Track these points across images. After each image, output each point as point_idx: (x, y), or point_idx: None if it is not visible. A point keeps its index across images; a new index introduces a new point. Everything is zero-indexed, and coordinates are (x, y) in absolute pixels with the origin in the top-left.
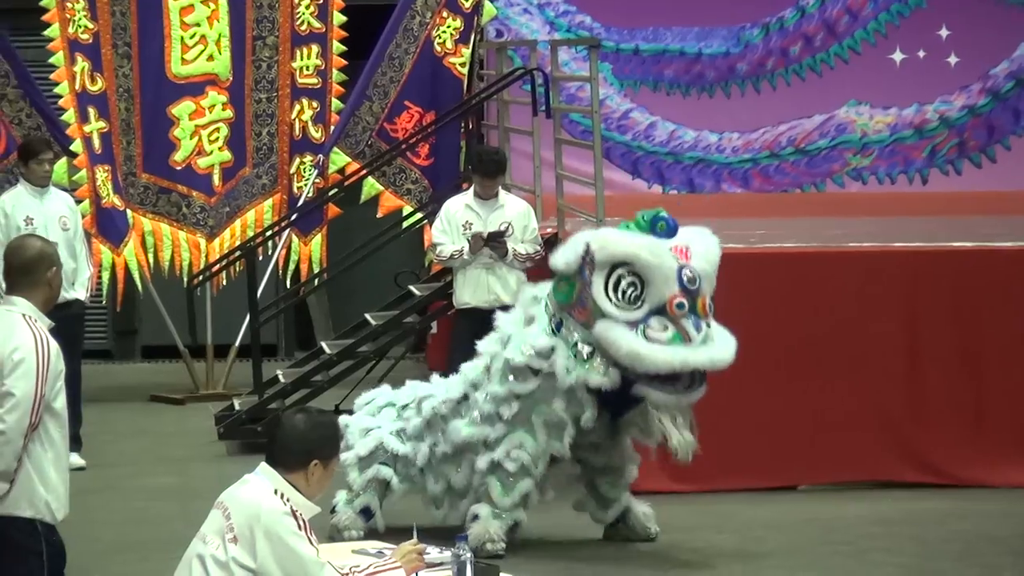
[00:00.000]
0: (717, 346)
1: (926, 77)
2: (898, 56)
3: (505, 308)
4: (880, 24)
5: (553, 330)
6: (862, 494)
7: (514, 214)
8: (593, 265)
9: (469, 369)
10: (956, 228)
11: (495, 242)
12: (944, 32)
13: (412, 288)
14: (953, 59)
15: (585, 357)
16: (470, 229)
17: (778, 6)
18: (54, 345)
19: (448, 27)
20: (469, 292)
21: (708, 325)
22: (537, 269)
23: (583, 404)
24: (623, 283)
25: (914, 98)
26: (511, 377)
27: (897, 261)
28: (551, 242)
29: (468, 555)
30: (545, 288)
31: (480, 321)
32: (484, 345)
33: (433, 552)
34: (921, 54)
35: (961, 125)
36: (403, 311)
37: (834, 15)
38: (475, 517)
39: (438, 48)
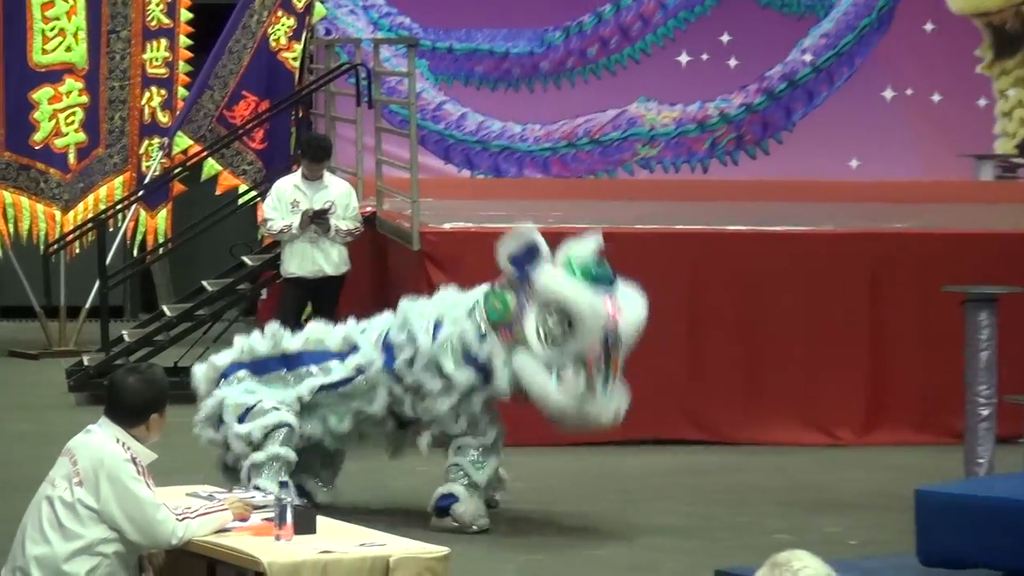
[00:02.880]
0: (611, 403)
1: (708, 77)
2: (684, 58)
3: (328, 278)
4: (669, 29)
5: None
6: (644, 449)
7: (337, 194)
8: (531, 295)
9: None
10: (733, 213)
11: (319, 219)
12: (725, 38)
13: (245, 259)
14: (733, 62)
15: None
16: (298, 207)
17: (578, 11)
18: None
19: (282, 25)
20: (296, 263)
21: (613, 383)
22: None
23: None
24: (551, 322)
25: (698, 96)
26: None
27: (680, 241)
28: (370, 220)
29: (288, 500)
30: (470, 301)
31: (305, 288)
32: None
33: (258, 496)
34: (704, 57)
35: (739, 121)
36: (237, 279)
37: (628, 20)
38: (451, 497)
39: (273, 44)
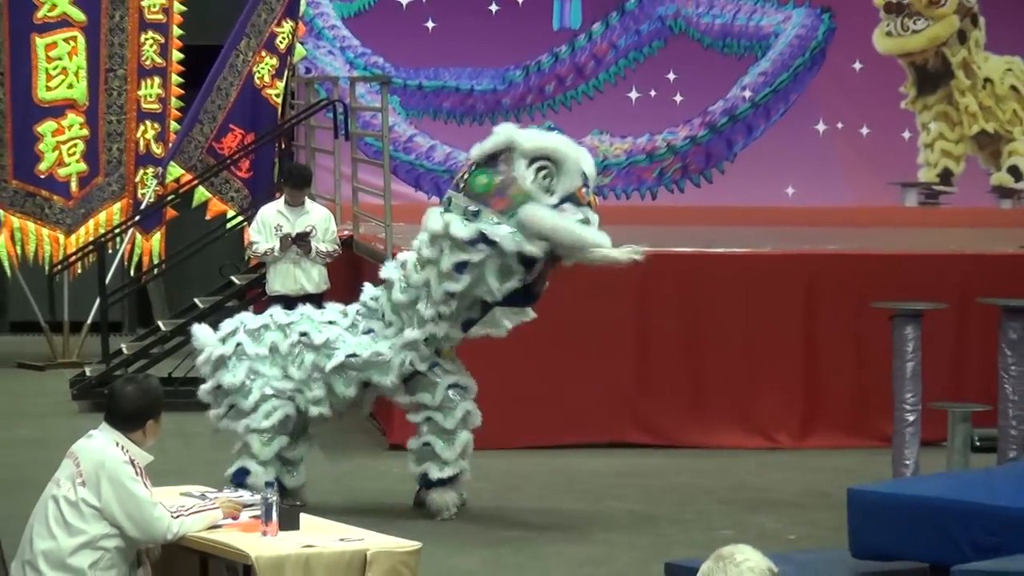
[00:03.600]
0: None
1: (656, 112)
2: (634, 94)
3: (309, 296)
4: (620, 68)
5: (469, 219)
6: (598, 452)
7: (317, 219)
8: (512, 158)
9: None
10: (679, 236)
11: (301, 242)
12: (672, 76)
13: (233, 278)
14: (679, 98)
15: (510, 232)
16: (281, 231)
17: (537, 52)
18: None
19: (266, 64)
20: (279, 282)
21: (596, 216)
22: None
23: (513, 272)
24: (540, 174)
25: (646, 129)
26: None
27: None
28: (347, 242)
29: (274, 499)
30: (435, 212)
31: (288, 305)
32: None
33: (246, 495)
34: (652, 93)
35: (684, 152)
36: (226, 296)
37: (582, 60)
38: (425, 480)
39: (257, 81)
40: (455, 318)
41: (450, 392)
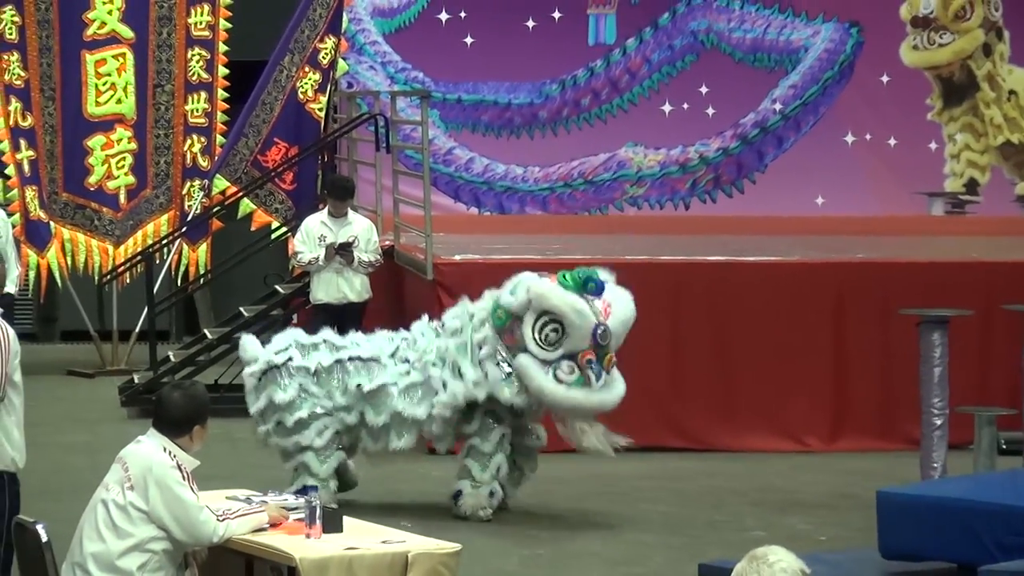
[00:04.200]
0: (610, 390)
1: (689, 124)
2: (667, 107)
3: (352, 304)
4: (654, 82)
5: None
6: (633, 456)
7: (360, 229)
8: (528, 307)
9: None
10: (711, 245)
11: (344, 251)
12: (704, 89)
13: (278, 287)
14: (711, 111)
15: (503, 376)
16: (324, 241)
17: (573, 66)
18: (11, 330)
19: (309, 79)
20: (323, 291)
21: (608, 373)
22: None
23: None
24: (547, 328)
25: (680, 141)
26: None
27: (664, 270)
28: (388, 252)
29: (317, 502)
30: (478, 311)
31: (331, 313)
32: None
33: (290, 499)
34: (685, 106)
35: (717, 163)
36: (270, 305)
37: (617, 74)
38: (459, 493)
39: (301, 96)
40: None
41: (488, 418)
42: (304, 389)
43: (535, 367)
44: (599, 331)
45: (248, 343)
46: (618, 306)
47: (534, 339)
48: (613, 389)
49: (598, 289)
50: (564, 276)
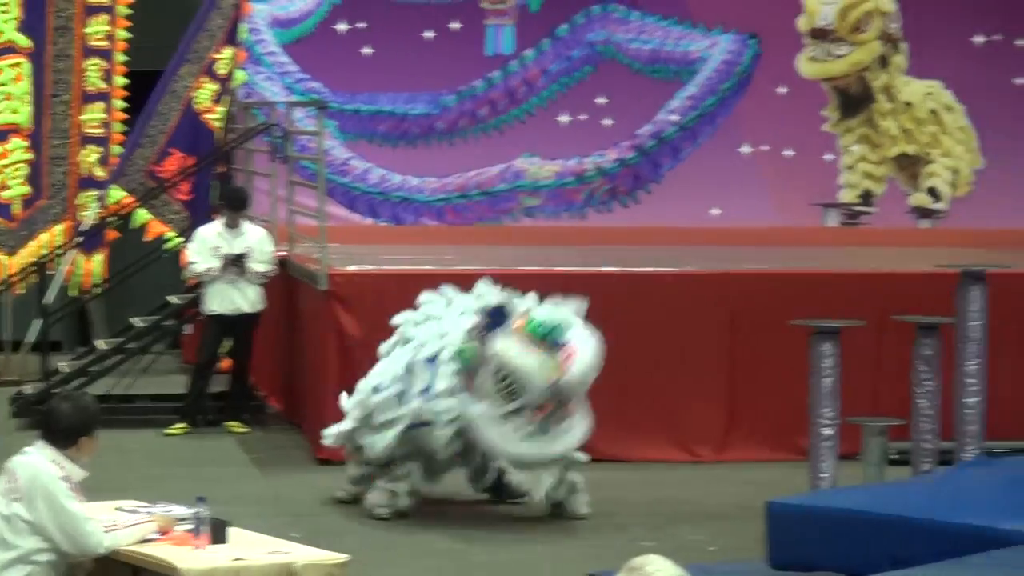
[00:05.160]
0: (568, 437)
1: (586, 135)
2: (564, 118)
3: (245, 315)
4: (551, 93)
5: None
6: None
7: (254, 240)
8: (489, 358)
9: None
10: (607, 256)
11: (237, 262)
12: (601, 100)
13: (171, 298)
14: (608, 121)
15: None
16: (218, 252)
17: (470, 77)
18: None
19: (206, 89)
20: (216, 302)
21: (560, 424)
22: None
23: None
24: (505, 380)
25: (576, 152)
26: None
27: (559, 281)
28: (283, 263)
29: (205, 513)
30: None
31: (224, 324)
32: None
33: (178, 510)
34: (582, 117)
35: (613, 174)
36: (163, 316)
37: (514, 84)
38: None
39: (198, 106)
40: None
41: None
42: None
43: (490, 423)
44: (554, 387)
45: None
46: (581, 355)
47: (492, 389)
48: (566, 438)
49: (559, 339)
50: (531, 322)
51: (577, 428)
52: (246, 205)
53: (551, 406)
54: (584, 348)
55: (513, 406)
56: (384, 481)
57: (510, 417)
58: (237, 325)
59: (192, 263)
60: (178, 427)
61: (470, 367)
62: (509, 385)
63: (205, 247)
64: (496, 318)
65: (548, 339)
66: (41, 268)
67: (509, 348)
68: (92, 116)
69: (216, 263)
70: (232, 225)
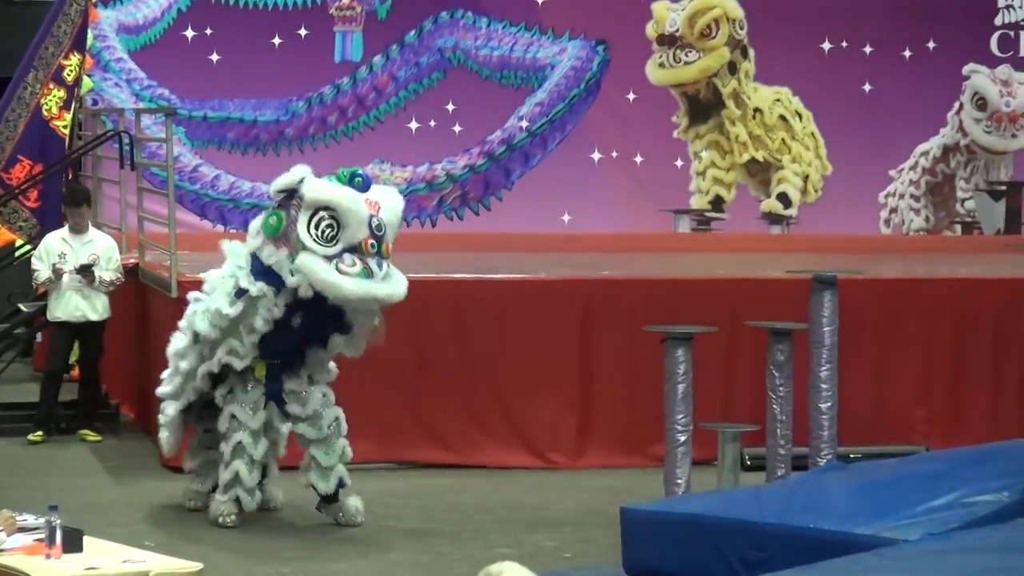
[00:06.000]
0: (394, 283)
1: (436, 142)
2: (414, 125)
3: (92, 323)
4: (400, 99)
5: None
6: (379, 473)
7: (101, 248)
8: (300, 206)
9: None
10: (458, 262)
11: (84, 271)
12: (451, 106)
13: (21, 305)
14: (458, 128)
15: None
16: (64, 259)
17: (319, 83)
18: None
19: (54, 96)
20: (61, 309)
21: (388, 265)
22: None
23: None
24: (323, 224)
25: (426, 158)
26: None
27: (409, 288)
28: (133, 270)
29: (57, 522)
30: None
31: (71, 331)
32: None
33: (30, 519)
34: (432, 123)
35: (464, 180)
36: (14, 324)
37: (364, 91)
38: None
39: (45, 113)
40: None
41: (233, 420)
42: None
43: (318, 262)
44: (373, 223)
45: None
46: (385, 200)
47: (311, 234)
48: (398, 282)
49: (365, 185)
50: (329, 176)
51: (398, 278)
52: (85, 200)
53: (371, 241)
54: (386, 193)
55: (336, 248)
56: (220, 492)
57: (339, 257)
58: (84, 333)
59: (36, 271)
60: (36, 435)
61: (280, 232)
62: (329, 224)
63: (50, 254)
64: (291, 193)
65: (353, 182)
66: None
67: (321, 187)
68: None
69: (72, 270)
70: (76, 226)
